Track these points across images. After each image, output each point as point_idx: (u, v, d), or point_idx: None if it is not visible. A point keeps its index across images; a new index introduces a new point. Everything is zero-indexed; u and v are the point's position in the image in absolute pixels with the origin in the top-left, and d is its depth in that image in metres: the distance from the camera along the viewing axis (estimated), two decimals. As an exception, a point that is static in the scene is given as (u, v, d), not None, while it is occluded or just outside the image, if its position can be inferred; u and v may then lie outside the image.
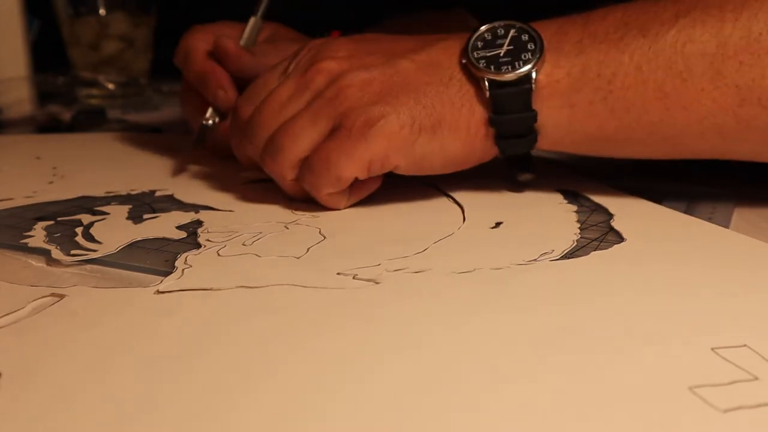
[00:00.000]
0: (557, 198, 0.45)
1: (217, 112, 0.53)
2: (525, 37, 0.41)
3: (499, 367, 0.26)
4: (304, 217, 0.42)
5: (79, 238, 0.39)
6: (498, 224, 0.40)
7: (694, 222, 0.41)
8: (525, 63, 0.40)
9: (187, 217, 0.42)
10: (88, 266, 0.36)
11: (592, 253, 0.36)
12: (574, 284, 0.33)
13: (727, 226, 0.40)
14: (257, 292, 0.32)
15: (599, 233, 0.39)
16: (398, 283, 0.32)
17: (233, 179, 0.50)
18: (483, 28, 0.42)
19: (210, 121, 0.52)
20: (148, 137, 0.67)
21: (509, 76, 0.40)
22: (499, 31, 0.41)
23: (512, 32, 0.41)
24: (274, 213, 0.43)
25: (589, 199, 0.44)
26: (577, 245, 0.37)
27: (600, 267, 0.35)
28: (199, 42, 0.53)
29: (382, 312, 0.30)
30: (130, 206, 0.44)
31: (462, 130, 0.41)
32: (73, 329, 0.28)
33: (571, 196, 0.45)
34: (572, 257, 0.36)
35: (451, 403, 0.23)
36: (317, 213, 0.43)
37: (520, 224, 0.41)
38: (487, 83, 0.40)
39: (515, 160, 0.44)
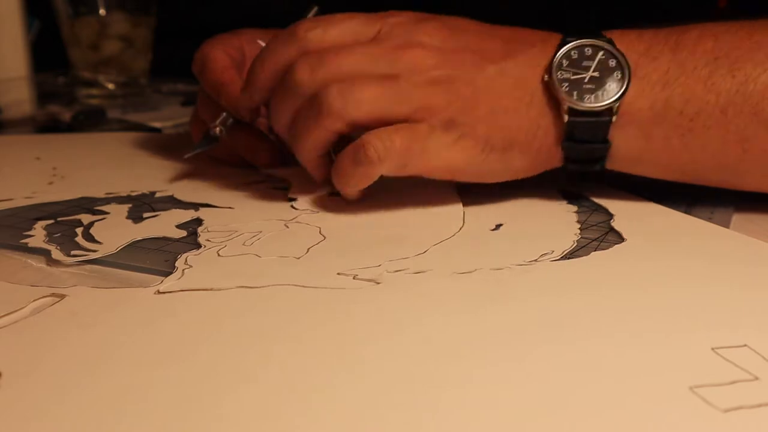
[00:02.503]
0: (557, 198, 0.45)
1: (231, 120, 0.51)
2: (612, 63, 0.39)
3: (499, 367, 0.26)
4: (304, 214, 0.42)
5: (79, 238, 0.39)
6: (498, 226, 0.40)
7: (694, 222, 0.41)
8: (608, 94, 0.39)
9: (187, 215, 0.42)
10: (88, 266, 0.36)
11: (593, 253, 0.36)
12: (575, 284, 0.33)
13: (727, 226, 0.40)
14: (257, 292, 0.32)
15: (599, 233, 0.39)
16: (399, 284, 0.32)
17: (233, 179, 0.50)
18: (570, 45, 0.40)
19: (219, 128, 0.50)
20: (148, 137, 0.67)
21: (591, 106, 0.39)
22: (586, 50, 0.40)
23: (600, 55, 0.40)
24: (274, 211, 0.43)
25: (589, 199, 0.44)
26: (577, 245, 0.37)
27: (600, 267, 0.35)
28: (218, 52, 0.52)
29: (382, 312, 0.30)
30: (130, 205, 0.44)
31: (533, 152, 0.40)
32: (73, 329, 0.28)
33: (571, 196, 0.45)
34: (572, 257, 0.36)
35: (451, 403, 0.23)
36: (317, 210, 0.43)
37: (521, 224, 0.41)
38: (566, 108, 0.39)
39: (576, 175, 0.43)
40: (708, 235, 0.39)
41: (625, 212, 0.42)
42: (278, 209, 0.43)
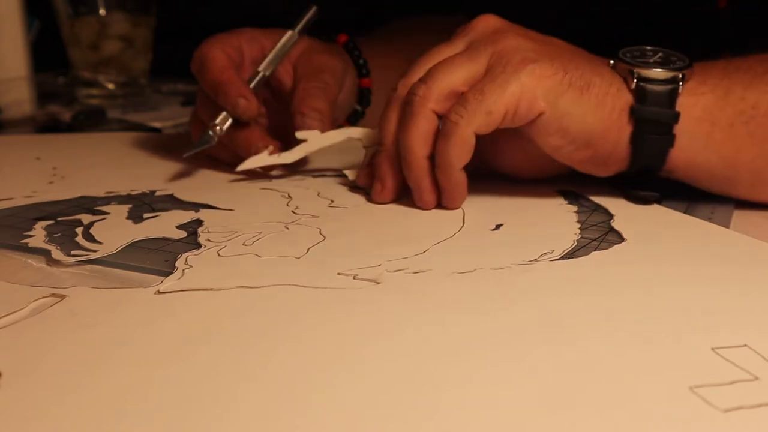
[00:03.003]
0: (557, 198, 0.45)
1: (233, 120, 0.51)
2: (673, 58, 0.43)
3: (499, 367, 0.26)
4: (304, 217, 0.42)
5: (80, 238, 0.39)
6: (498, 226, 0.40)
7: (694, 222, 0.41)
8: (674, 67, 0.42)
9: (187, 216, 0.42)
10: (88, 266, 0.36)
11: (593, 253, 0.36)
12: (575, 284, 0.33)
13: (727, 226, 0.40)
14: (257, 292, 0.32)
15: (599, 233, 0.39)
16: (399, 284, 0.32)
17: (234, 180, 0.50)
18: (630, 47, 0.44)
19: (218, 128, 0.50)
20: (148, 137, 0.67)
21: (658, 73, 0.41)
22: (648, 51, 0.43)
23: (660, 53, 0.43)
24: (274, 213, 0.43)
25: (589, 200, 0.44)
26: (577, 245, 0.37)
27: (600, 267, 0.35)
28: (217, 51, 0.52)
29: (382, 312, 0.30)
30: (130, 206, 0.44)
31: (606, 107, 0.41)
32: (73, 329, 0.28)
33: (572, 196, 0.45)
34: (572, 257, 0.36)
35: (451, 403, 0.23)
36: (317, 213, 0.43)
37: (521, 224, 0.41)
38: (634, 75, 0.41)
39: (638, 176, 0.43)
40: (708, 235, 0.39)
41: (625, 212, 0.42)
42: (278, 211, 0.43)
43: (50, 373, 0.25)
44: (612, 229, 0.40)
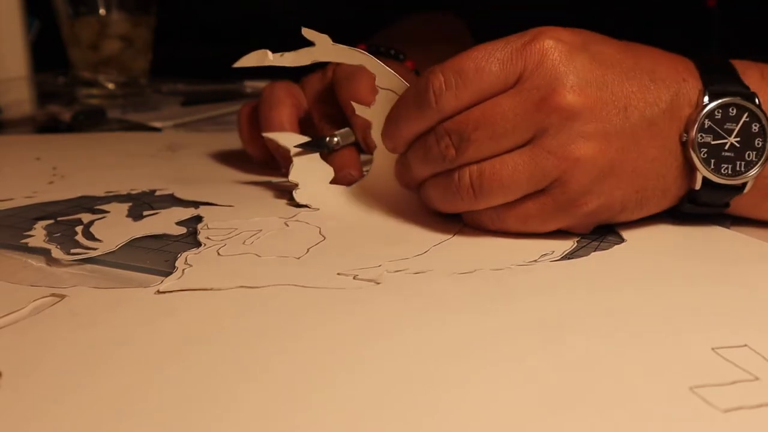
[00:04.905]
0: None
1: (353, 138, 0.48)
2: (755, 128, 0.38)
3: (499, 367, 0.26)
4: (304, 212, 0.42)
5: (79, 237, 0.39)
6: (498, 225, 0.40)
7: (694, 222, 0.41)
8: (747, 167, 0.38)
9: (187, 213, 0.42)
10: (88, 266, 0.36)
11: (593, 253, 0.36)
12: (575, 284, 0.33)
13: (727, 227, 0.40)
14: (257, 292, 0.32)
15: (599, 233, 0.39)
16: (399, 284, 0.32)
17: (233, 178, 0.50)
18: (715, 103, 0.37)
19: (336, 140, 0.47)
20: (148, 137, 0.67)
21: (726, 181, 0.38)
22: (730, 110, 0.38)
23: (744, 117, 0.38)
24: (273, 209, 0.43)
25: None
26: (577, 246, 0.37)
27: (600, 267, 0.35)
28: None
29: (382, 312, 0.30)
30: (130, 204, 0.44)
31: (656, 207, 0.39)
32: (73, 329, 0.28)
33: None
34: (572, 257, 0.36)
35: (451, 403, 0.23)
36: (317, 207, 0.43)
37: (521, 224, 0.40)
38: (701, 178, 0.38)
39: None
40: (708, 235, 0.39)
41: (625, 212, 0.42)
42: (278, 207, 0.43)
43: (50, 373, 0.25)
44: (612, 230, 0.40)
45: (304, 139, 0.47)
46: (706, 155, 0.37)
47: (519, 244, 0.37)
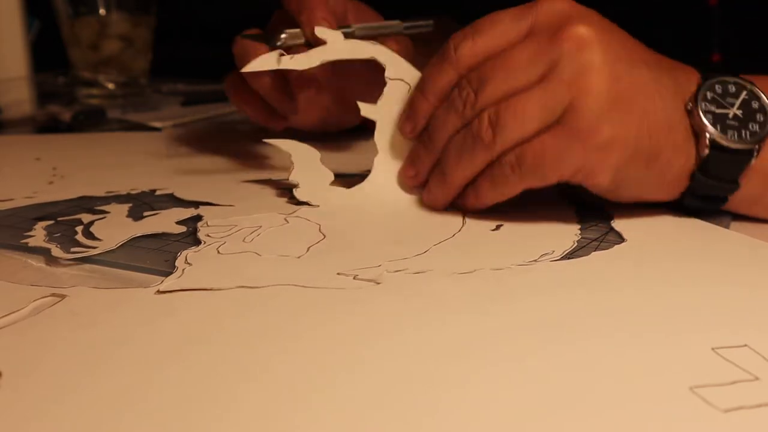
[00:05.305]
0: (557, 198, 0.45)
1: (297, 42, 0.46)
2: (755, 105, 0.39)
3: (499, 367, 0.26)
4: (304, 209, 0.42)
5: (80, 237, 0.39)
6: (498, 226, 0.40)
7: (694, 222, 0.41)
8: (752, 136, 0.38)
9: (187, 213, 0.42)
10: (88, 266, 0.36)
11: (593, 253, 0.36)
12: (575, 284, 0.33)
13: (727, 227, 0.40)
14: (257, 292, 0.32)
15: (599, 233, 0.39)
16: (399, 284, 0.32)
17: (234, 179, 0.50)
18: (714, 79, 0.39)
19: (284, 36, 0.45)
20: (148, 137, 0.67)
21: (734, 145, 0.38)
22: (730, 87, 0.39)
23: (744, 94, 0.39)
24: (274, 209, 0.43)
25: (589, 200, 0.44)
26: (577, 245, 0.37)
27: (600, 267, 0.35)
28: None
29: (382, 312, 0.30)
30: (130, 204, 0.44)
31: (667, 177, 0.39)
32: (73, 329, 0.28)
33: (572, 197, 0.45)
34: (572, 257, 0.36)
35: (451, 403, 0.23)
36: (317, 204, 0.43)
37: (521, 224, 0.40)
38: (708, 140, 0.38)
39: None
40: (708, 235, 0.39)
41: (625, 212, 0.42)
42: (279, 207, 0.43)
43: (50, 373, 0.25)
44: (612, 229, 0.40)
45: (305, 146, 0.46)
46: (711, 120, 0.38)
47: (519, 244, 0.37)
